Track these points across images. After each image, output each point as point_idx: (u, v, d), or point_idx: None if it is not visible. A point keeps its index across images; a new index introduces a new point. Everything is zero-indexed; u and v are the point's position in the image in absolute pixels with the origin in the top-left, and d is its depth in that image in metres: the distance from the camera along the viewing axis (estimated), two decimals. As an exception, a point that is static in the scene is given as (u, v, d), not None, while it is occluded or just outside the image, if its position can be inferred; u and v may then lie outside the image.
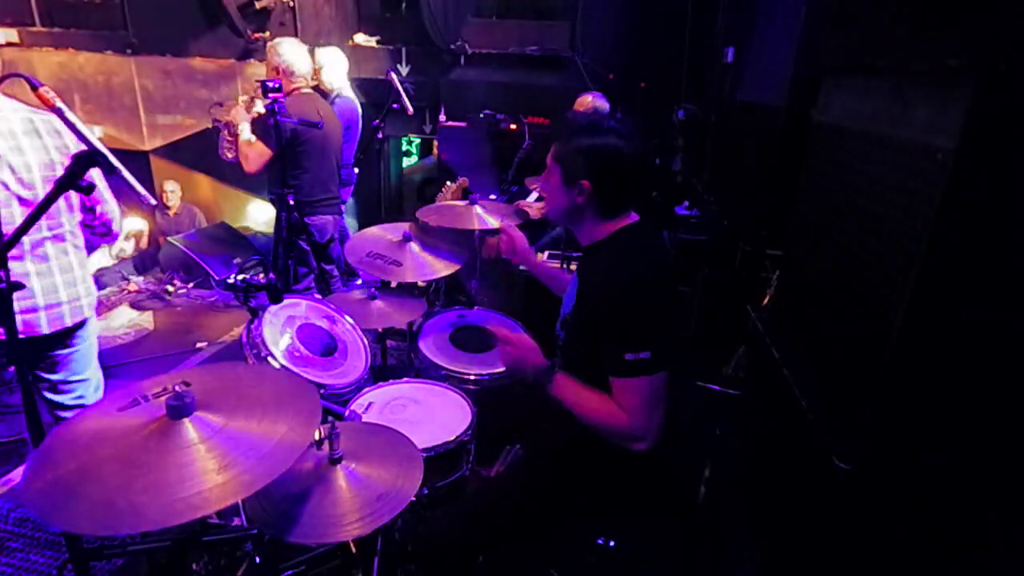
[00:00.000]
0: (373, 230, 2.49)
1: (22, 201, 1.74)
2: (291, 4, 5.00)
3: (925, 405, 1.23)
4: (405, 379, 2.09)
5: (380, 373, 2.44)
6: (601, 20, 4.77)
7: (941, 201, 1.14)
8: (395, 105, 3.35)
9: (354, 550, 1.61)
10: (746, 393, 2.36)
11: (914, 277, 1.20)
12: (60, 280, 1.87)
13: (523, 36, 4.97)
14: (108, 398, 1.20)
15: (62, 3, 5.38)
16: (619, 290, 1.39)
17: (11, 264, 1.24)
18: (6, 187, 1.70)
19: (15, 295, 1.27)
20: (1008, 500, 1.17)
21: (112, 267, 4.88)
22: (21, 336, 1.77)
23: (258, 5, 4.90)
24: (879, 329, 1.30)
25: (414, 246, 2.37)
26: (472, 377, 2.13)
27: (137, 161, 5.43)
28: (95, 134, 1.59)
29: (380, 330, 2.44)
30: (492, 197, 3.62)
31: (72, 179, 1.21)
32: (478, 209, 2.48)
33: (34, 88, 1.64)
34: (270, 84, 2.80)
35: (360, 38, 5.27)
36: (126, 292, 4.64)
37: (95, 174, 1.86)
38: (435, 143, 5.39)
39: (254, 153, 3.05)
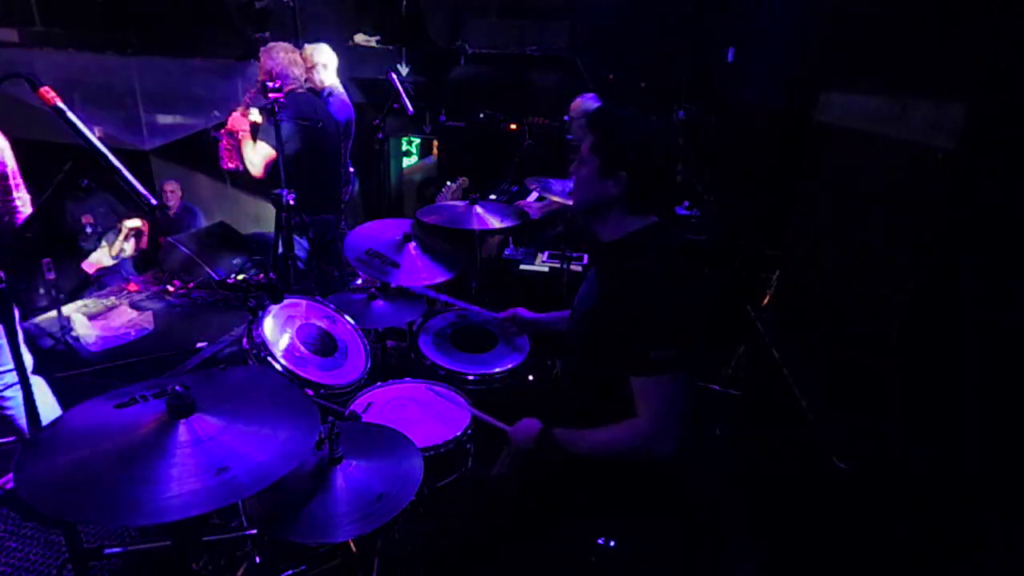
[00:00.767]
0: (374, 224, 2.49)
1: None
2: (291, 4, 5.00)
3: (925, 405, 1.23)
4: (405, 379, 2.09)
5: (380, 373, 2.44)
6: (601, 20, 4.77)
7: (941, 201, 1.14)
8: (395, 105, 3.35)
9: (354, 550, 1.61)
10: (746, 393, 2.36)
11: (914, 277, 1.20)
12: None
13: (523, 36, 4.96)
14: (107, 396, 1.20)
15: (62, 3, 5.38)
16: (649, 287, 1.39)
17: None
18: None
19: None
20: (1008, 500, 1.17)
21: (112, 267, 4.88)
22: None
23: (258, 5, 4.90)
24: (879, 329, 1.30)
25: (413, 247, 2.37)
26: (472, 377, 2.13)
27: (137, 161, 5.43)
28: (95, 134, 1.59)
29: (380, 330, 2.44)
30: (492, 197, 3.62)
31: (72, 179, 1.21)
32: (478, 209, 2.48)
33: (35, 87, 1.64)
34: (270, 84, 2.80)
35: (360, 38, 5.26)
36: (126, 292, 4.64)
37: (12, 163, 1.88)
38: (435, 143, 5.39)
39: (259, 157, 3.06)
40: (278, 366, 1.77)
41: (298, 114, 3.00)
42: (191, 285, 4.71)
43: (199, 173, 5.84)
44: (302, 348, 1.93)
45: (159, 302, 4.53)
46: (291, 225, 3.14)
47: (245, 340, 1.82)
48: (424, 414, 1.88)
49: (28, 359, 2.08)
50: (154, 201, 1.95)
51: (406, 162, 6.74)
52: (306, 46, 3.62)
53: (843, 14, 1.70)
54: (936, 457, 1.22)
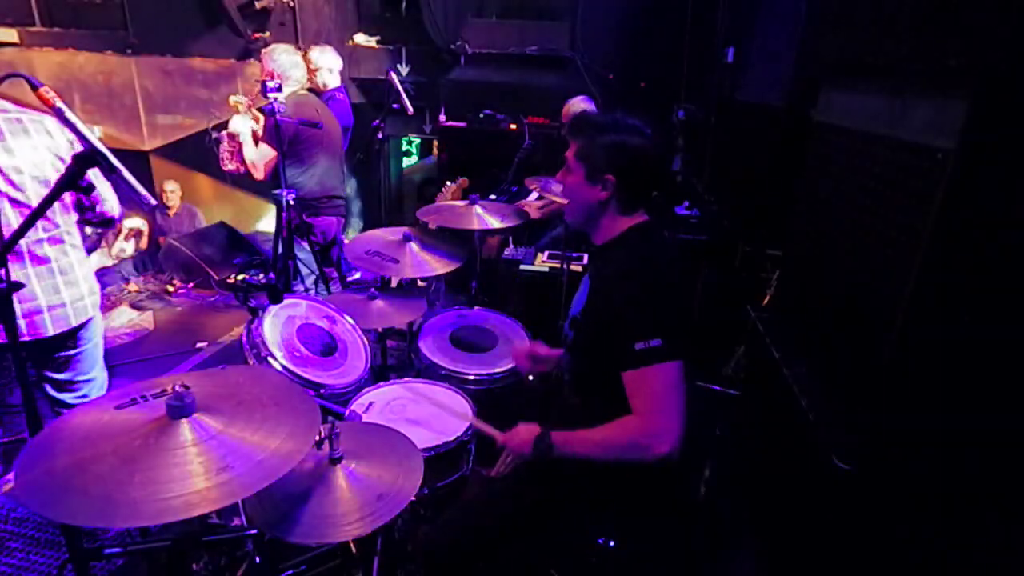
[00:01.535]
0: (374, 232, 2.49)
1: (14, 203, 1.73)
2: (291, 4, 5.00)
3: (924, 405, 1.23)
4: (405, 379, 2.09)
5: (380, 373, 2.44)
6: (601, 20, 4.77)
7: (941, 201, 1.14)
8: (395, 105, 3.35)
9: (354, 550, 1.61)
10: (746, 393, 2.36)
11: (914, 277, 1.20)
12: (61, 281, 1.87)
13: (523, 36, 4.97)
14: (107, 396, 1.20)
15: (62, 3, 5.38)
16: (629, 278, 1.40)
17: (12, 268, 1.23)
18: None
19: (19, 297, 1.26)
20: (1008, 500, 1.17)
21: (112, 267, 4.88)
22: (28, 339, 1.78)
23: (258, 5, 4.90)
24: (879, 329, 1.30)
25: (414, 245, 2.37)
26: (472, 377, 2.13)
27: (137, 161, 5.43)
28: (95, 134, 1.59)
29: (380, 330, 2.44)
30: (492, 197, 3.62)
31: (72, 180, 1.21)
32: (478, 209, 2.48)
33: (34, 88, 1.63)
34: (270, 84, 2.80)
35: (360, 38, 5.26)
36: (126, 292, 4.64)
37: (94, 174, 1.86)
38: (435, 143, 5.39)
39: (260, 158, 3.07)
40: (278, 366, 1.77)
41: (297, 115, 3.00)
42: (191, 285, 4.71)
43: (199, 173, 5.84)
44: (302, 348, 1.93)
45: (159, 302, 4.53)
46: (291, 227, 3.15)
47: (245, 340, 1.82)
48: (424, 414, 1.88)
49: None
50: (154, 201, 1.95)
51: (406, 162, 6.75)
52: (313, 48, 3.63)
53: (843, 14, 1.69)
54: (936, 457, 1.22)
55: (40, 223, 1.78)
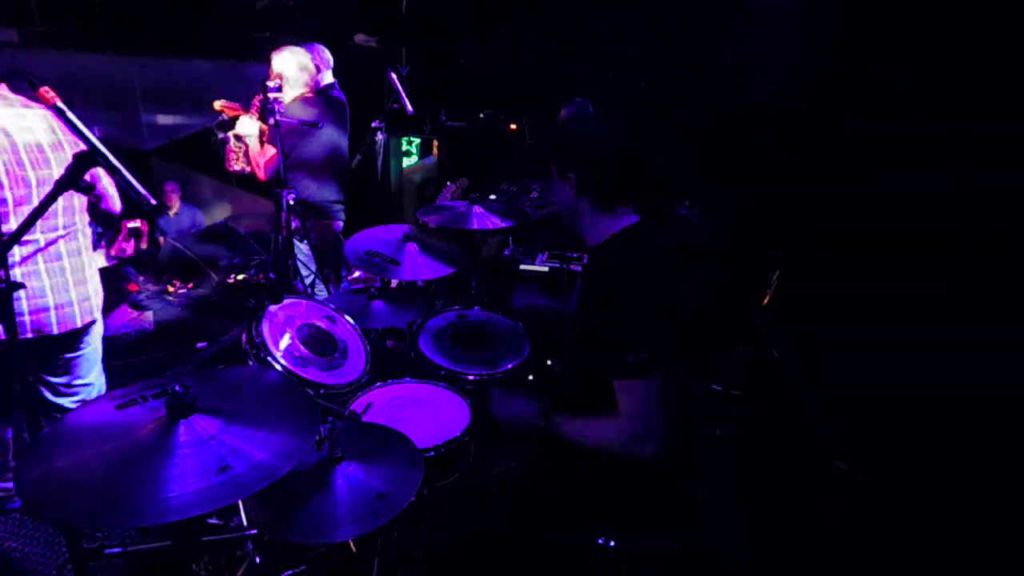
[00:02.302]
0: (374, 231, 2.49)
1: (18, 199, 1.73)
2: (291, 4, 5.00)
3: (924, 405, 1.23)
4: (405, 379, 2.09)
5: (380, 373, 2.44)
6: (601, 20, 4.76)
7: (941, 201, 1.14)
8: (395, 105, 3.35)
9: (354, 550, 1.61)
10: (746, 393, 2.36)
11: (914, 277, 1.20)
12: (71, 279, 1.87)
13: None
14: (107, 396, 1.20)
15: (62, 3, 5.37)
16: (618, 286, 1.40)
17: (26, 263, 1.23)
18: None
19: (28, 294, 1.26)
20: (1008, 500, 1.17)
21: (112, 267, 4.87)
22: (32, 336, 1.78)
23: (258, 5, 4.90)
24: (879, 329, 1.30)
25: (414, 246, 2.37)
26: (472, 377, 2.13)
27: (137, 161, 5.43)
28: (94, 134, 1.59)
29: (380, 330, 2.44)
30: (492, 197, 3.62)
31: (72, 179, 1.21)
32: (478, 209, 2.48)
33: (34, 87, 1.64)
34: (271, 85, 2.81)
35: (360, 38, 5.26)
36: (126, 292, 4.64)
37: (99, 170, 1.86)
38: (435, 143, 5.39)
39: (265, 159, 3.08)
40: (278, 366, 1.77)
41: (301, 116, 3.01)
42: (191, 285, 4.71)
43: (199, 173, 5.83)
44: (302, 348, 1.93)
45: (159, 302, 4.53)
46: (291, 228, 3.14)
47: (245, 340, 1.82)
48: (424, 414, 1.88)
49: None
50: (154, 201, 1.95)
51: (406, 162, 6.74)
52: (314, 47, 3.62)
53: (844, 14, 1.69)
54: (936, 457, 1.22)
55: (60, 219, 1.78)
